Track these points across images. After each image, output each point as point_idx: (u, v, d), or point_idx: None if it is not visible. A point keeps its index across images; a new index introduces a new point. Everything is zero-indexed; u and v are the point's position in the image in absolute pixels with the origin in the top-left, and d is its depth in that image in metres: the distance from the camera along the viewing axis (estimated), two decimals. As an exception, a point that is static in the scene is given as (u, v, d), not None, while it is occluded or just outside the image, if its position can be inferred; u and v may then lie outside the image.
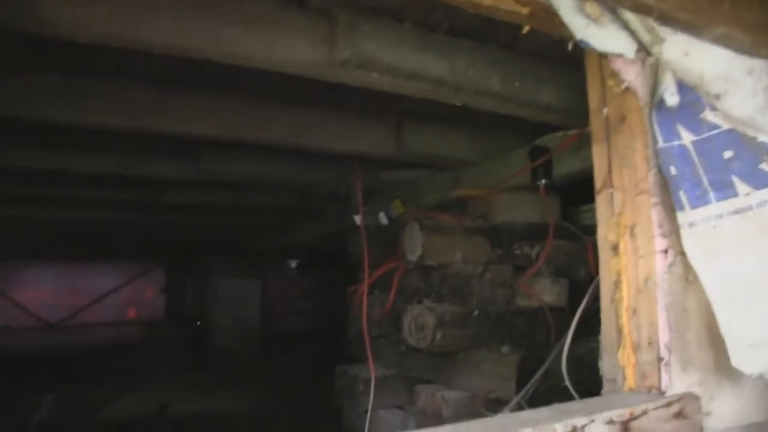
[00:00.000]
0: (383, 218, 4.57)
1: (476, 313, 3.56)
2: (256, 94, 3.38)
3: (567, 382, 2.74)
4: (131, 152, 4.30)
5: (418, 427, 3.71)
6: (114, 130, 3.33)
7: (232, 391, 6.36)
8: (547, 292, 3.64)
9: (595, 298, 2.26)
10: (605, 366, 2.08)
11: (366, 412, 4.24)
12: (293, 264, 7.28)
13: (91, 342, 10.35)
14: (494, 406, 3.48)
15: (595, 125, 2.09)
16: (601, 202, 2.07)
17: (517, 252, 3.77)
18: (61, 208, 5.98)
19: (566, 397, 3.72)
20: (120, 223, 7.01)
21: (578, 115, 3.19)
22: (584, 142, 3.33)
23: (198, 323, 10.37)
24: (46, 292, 10.57)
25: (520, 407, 3.18)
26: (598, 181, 2.08)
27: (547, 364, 3.08)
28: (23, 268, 10.34)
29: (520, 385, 3.32)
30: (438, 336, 3.48)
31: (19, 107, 3.02)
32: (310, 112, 3.55)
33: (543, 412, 1.66)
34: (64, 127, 3.46)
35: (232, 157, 4.38)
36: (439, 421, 3.51)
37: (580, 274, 3.87)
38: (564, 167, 3.49)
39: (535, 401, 3.28)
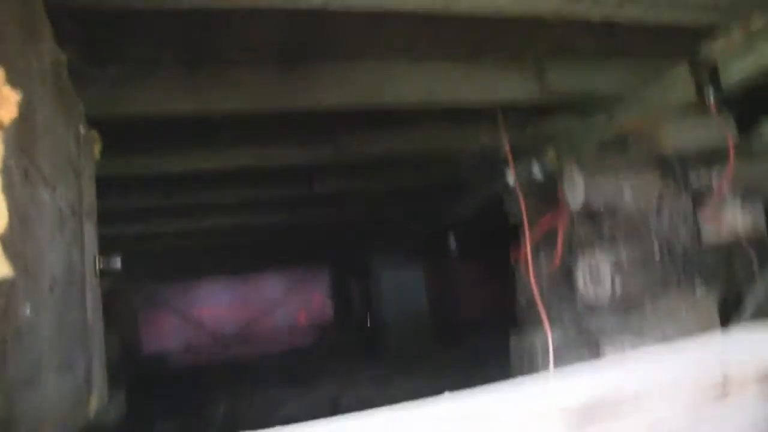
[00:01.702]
0: (537, 173, 4.17)
1: (658, 254, 3.10)
2: (382, 56, 3.15)
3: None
4: (268, 144, 4.19)
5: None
6: (244, 115, 3.19)
7: (404, 383, 6.14)
8: (739, 219, 3.13)
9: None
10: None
11: (548, 381, 3.88)
12: (452, 241, 6.96)
13: (265, 350, 10.57)
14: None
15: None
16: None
17: (695, 180, 3.27)
18: (216, 216, 6.04)
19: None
20: (278, 225, 7.02)
21: (738, 6, 2.71)
22: (753, 41, 2.82)
23: (367, 321, 10.32)
24: (219, 308, 10.92)
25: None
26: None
27: (756, 298, 2.59)
28: (196, 287, 10.75)
29: (725, 327, 2.85)
30: (618, 285, 3.07)
31: (144, 102, 2.97)
32: (443, 67, 3.27)
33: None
34: (193, 122, 3.40)
35: (368, 136, 4.17)
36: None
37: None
38: (735, 74, 2.96)
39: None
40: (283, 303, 11.28)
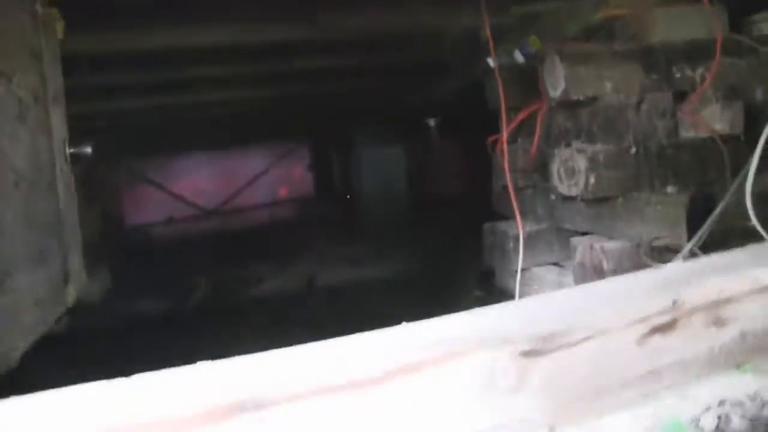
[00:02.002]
0: (519, 56, 4.07)
1: (633, 150, 3.08)
2: None
3: (753, 221, 2.29)
4: (246, 20, 4.04)
5: (576, 282, 3.37)
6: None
7: (380, 260, 6.27)
8: (717, 118, 3.09)
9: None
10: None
11: (518, 271, 3.96)
12: (432, 123, 6.90)
13: (247, 224, 10.67)
14: (662, 255, 3.06)
15: None
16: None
17: (678, 75, 3.20)
18: (196, 91, 5.89)
19: (748, 240, 3.24)
20: (259, 101, 6.90)
21: None
22: None
23: (347, 196, 10.37)
24: (201, 181, 10.91)
25: (693, 255, 2.75)
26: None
27: (725, 201, 2.60)
28: (176, 161, 10.69)
29: (692, 229, 2.87)
30: (591, 180, 3.06)
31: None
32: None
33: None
34: None
35: (349, 12, 4.03)
36: (600, 275, 3.15)
37: (756, 96, 3.28)
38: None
39: (709, 249, 2.84)
40: (265, 177, 11.27)
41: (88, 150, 2.63)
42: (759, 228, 2.22)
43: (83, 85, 4.62)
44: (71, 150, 2.58)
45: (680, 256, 2.75)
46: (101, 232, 8.27)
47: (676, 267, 1.59)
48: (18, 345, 1.64)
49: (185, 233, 10.22)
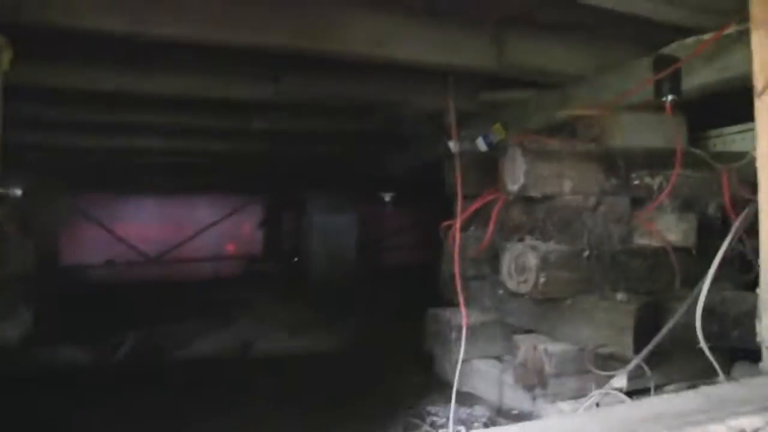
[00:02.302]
0: (482, 144, 4.05)
1: (587, 252, 3.03)
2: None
3: (702, 344, 2.23)
4: (208, 74, 3.96)
5: (517, 382, 3.26)
6: (182, 43, 2.94)
7: (321, 330, 6.08)
8: (672, 229, 3.08)
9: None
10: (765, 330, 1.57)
11: (458, 363, 3.84)
12: (387, 197, 6.84)
13: (190, 276, 10.38)
14: (606, 362, 2.98)
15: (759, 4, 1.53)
16: (762, 109, 1.53)
17: (636, 182, 3.19)
18: (150, 136, 5.75)
19: (693, 356, 3.18)
20: (214, 154, 6.78)
21: (715, 13, 2.60)
22: (722, 49, 2.73)
23: (295, 259, 10.22)
24: (146, 226, 10.61)
25: (639, 368, 2.67)
26: (760, 80, 1.53)
27: (677, 317, 2.54)
28: (122, 202, 10.39)
29: (638, 338, 2.80)
30: (542, 279, 2.98)
31: (65, 15, 2.70)
32: (397, 19, 3.09)
33: (690, 399, 1.18)
34: (125, 42, 3.14)
35: (313, 77, 3.98)
36: (541, 377, 3.06)
37: (709, 210, 3.28)
38: (695, 79, 2.90)
39: (653, 359, 2.78)
40: (213, 230, 11.04)
41: (18, 192, 2.47)
42: (708, 353, 2.16)
43: (23, 115, 4.44)
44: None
45: (625, 371, 2.67)
46: (31, 270, 7.92)
47: (628, 411, 1.49)
48: None
49: (123, 279, 9.88)
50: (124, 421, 3.58)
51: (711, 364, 3.24)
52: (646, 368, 2.70)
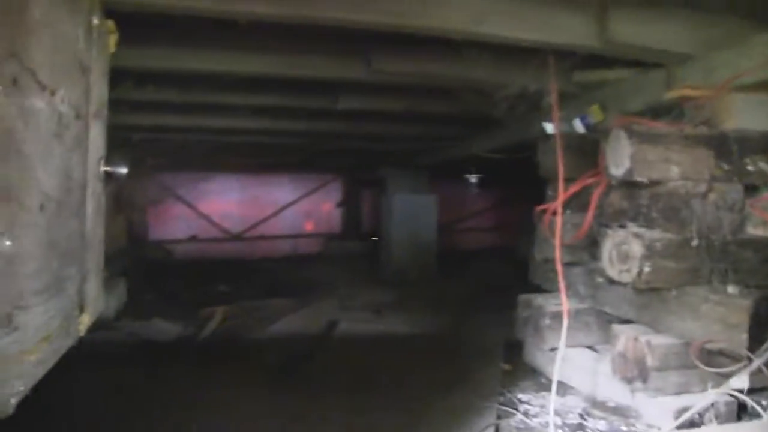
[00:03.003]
0: (579, 126, 3.91)
1: (695, 242, 2.88)
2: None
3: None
4: (297, 53, 3.94)
5: (615, 373, 3.14)
6: (266, 19, 2.90)
7: (403, 313, 6.04)
8: (790, 220, 2.89)
9: None
10: None
11: (553, 349, 3.74)
12: (473, 179, 6.72)
13: (270, 253, 10.57)
14: (715, 358, 2.84)
15: None
16: None
17: (750, 168, 3.01)
18: (236, 116, 5.82)
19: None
20: (297, 133, 6.81)
21: None
22: None
23: (374, 238, 10.23)
24: (229, 204, 10.82)
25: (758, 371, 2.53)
26: None
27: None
28: (208, 180, 10.62)
29: (752, 334, 2.65)
30: (646, 268, 2.85)
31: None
32: (497, -5, 2.98)
33: None
34: (217, 21, 3.14)
35: (405, 56, 3.91)
36: (642, 369, 2.94)
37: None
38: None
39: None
40: (293, 208, 11.16)
41: (123, 170, 2.48)
42: None
43: (125, 99, 4.54)
44: (106, 168, 2.43)
45: (747, 370, 2.53)
46: (124, 244, 8.18)
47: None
48: (17, 390, 1.47)
49: (207, 254, 10.12)
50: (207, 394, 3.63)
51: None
52: (764, 368, 2.55)
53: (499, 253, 10.14)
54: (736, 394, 2.60)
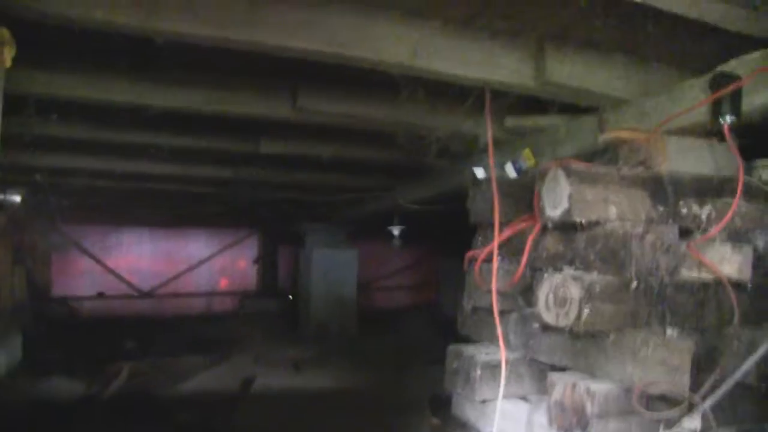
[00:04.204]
0: (511, 170, 3.85)
1: (634, 284, 2.79)
2: (366, 3, 2.77)
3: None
4: (220, 88, 3.78)
5: (552, 423, 3.00)
6: (195, 40, 2.72)
7: (323, 368, 5.80)
8: (726, 261, 2.86)
9: None
10: None
11: (484, 401, 3.58)
12: (396, 231, 6.58)
13: (183, 311, 10.20)
14: (657, 403, 2.74)
15: None
16: None
17: (684, 211, 2.98)
18: (149, 159, 5.54)
19: (752, 398, 2.95)
20: (214, 181, 6.59)
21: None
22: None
23: (290, 297, 9.99)
24: (140, 259, 10.42)
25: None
26: None
27: (757, 356, 2.30)
28: (117, 233, 10.21)
29: (693, 378, 2.56)
30: (585, 311, 2.74)
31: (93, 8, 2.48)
32: (433, 30, 2.91)
33: None
34: (136, 45, 2.94)
35: (333, 95, 3.80)
36: (581, 418, 2.80)
37: (760, 244, 3.07)
38: (761, 98, 2.69)
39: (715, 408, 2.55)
40: (207, 264, 10.81)
41: (17, 198, 2.22)
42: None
43: (27, 134, 4.22)
44: (-4, 198, 2.16)
45: (691, 413, 2.43)
46: (23, 298, 7.67)
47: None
48: None
49: (116, 312, 9.63)
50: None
51: (764, 408, 3.03)
52: (709, 413, 2.46)
53: (421, 311, 10.04)
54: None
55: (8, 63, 2.29)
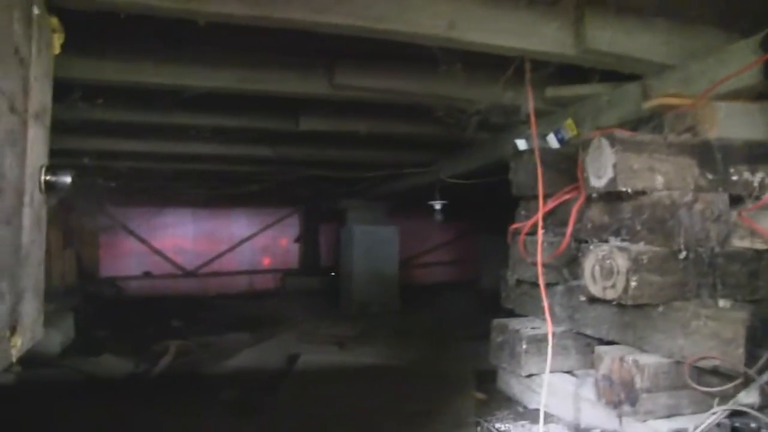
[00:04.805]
0: (553, 140, 3.78)
1: (683, 254, 2.72)
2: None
3: None
4: (256, 66, 3.76)
5: (600, 398, 2.96)
6: (234, 20, 2.70)
7: (366, 345, 5.79)
8: (778, 231, 2.76)
9: None
10: None
11: (530, 375, 3.55)
12: (437, 206, 6.53)
13: (226, 289, 10.29)
14: (709, 378, 2.68)
15: None
16: None
17: (735, 178, 2.89)
18: (190, 140, 5.58)
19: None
20: (255, 160, 6.61)
21: None
22: None
23: (333, 274, 10.02)
24: (184, 239, 10.54)
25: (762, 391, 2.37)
26: None
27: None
28: (161, 215, 10.35)
29: (747, 352, 2.49)
30: (632, 283, 2.69)
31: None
32: (469, 0, 2.83)
33: None
34: (176, 27, 2.94)
35: (370, 71, 3.76)
36: (630, 392, 2.75)
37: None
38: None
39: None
40: (249, 243, 10.90)
41: (68, 179, 2.22)
42: None
43: (75, 117, 4.29)
44: (47, 177, 2.18)
45: (755, 386, 2.36)
46: (73, 280, 7.86)
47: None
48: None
49: (161, 291, 9.78)
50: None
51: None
52: (766, 386, 2.39)
53: (463, 287, 10.00)
54: (746, 409, 2.43)
55: (57, 50, 2.30)
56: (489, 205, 6.66)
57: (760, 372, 2.40)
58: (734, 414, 2.55)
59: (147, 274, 10.16)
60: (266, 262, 11.11)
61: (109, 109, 4.40)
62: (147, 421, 3.59)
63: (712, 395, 2.63)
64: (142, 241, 10.20)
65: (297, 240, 11.24)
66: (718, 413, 2.38)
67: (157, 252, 10.29)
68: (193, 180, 8.51)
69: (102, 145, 5.49)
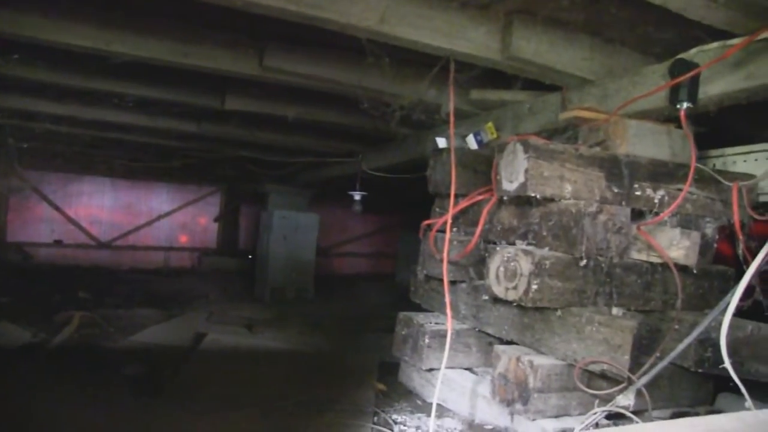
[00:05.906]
0: (472, 142, 3.86)
1: (584, 262, 2.83)
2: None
3: (727, 364, 2.04)
4: (188, 41, 3.70)
5: (495, 395, 3.05)
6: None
7: (277, 330, 5.78)
8: (674, 245, 2.90)
9: None
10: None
11: (430, 370, 3.62)
12: (357, 196, 6.55)
13: (140, 264, 10.09)
14: (598, 381, 2.80)
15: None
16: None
17: (638, 193, 3.01)
18: (113, 108, 5.44)
19: (688, 381, 3.02)
20: (177, 134, 6.48)
21: (755, 14, 2.43)
22: (750, 55, 2.57)
23: (250, 256, 9.93)
24: (100, 209, 10.25)
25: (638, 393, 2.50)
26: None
27: (693, 337, 2.35)
28: (78, 182, 10.03)
29: (632, 358, 2.62)
30: (533, 286, 2.78)
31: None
32: (405, -2, 2.87)
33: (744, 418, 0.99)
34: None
35: (300, 56, 3.75)
36: (523, 391, 2.85)
37: (708, 230, 3.13)
38: (716, 87, 2.71)
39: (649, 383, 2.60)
40: (168, 219, 10.69)
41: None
42: (735, 377, 1.96)
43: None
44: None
45: (626, 390, 2.48)
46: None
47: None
48: None
49: (72, 261, 9.51)
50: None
51: (697, 391, 3.11)
52: (644, 389, 2.52)
53: (380, 280, 10.09)
54: (622, 411, 2.56)
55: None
56: (410, 201, 6.75)
57: (641, 378, 2.52)
58: (614, 416, 2.68)
59: (58, 242, 9.83)
60: (184, 239, 10.92)
61: (27, 66, 4.24)
62: (37, 391, 3.50)
63: (598, 398, 2.75)
64: (56, 207, 9.86)
65: (216, 219, 11.09)
66: (597, 414, 2.49)
67: (71, 220, 9.96)
68: (114, 149, 8.27)
69: (17, 103, 5.28)
